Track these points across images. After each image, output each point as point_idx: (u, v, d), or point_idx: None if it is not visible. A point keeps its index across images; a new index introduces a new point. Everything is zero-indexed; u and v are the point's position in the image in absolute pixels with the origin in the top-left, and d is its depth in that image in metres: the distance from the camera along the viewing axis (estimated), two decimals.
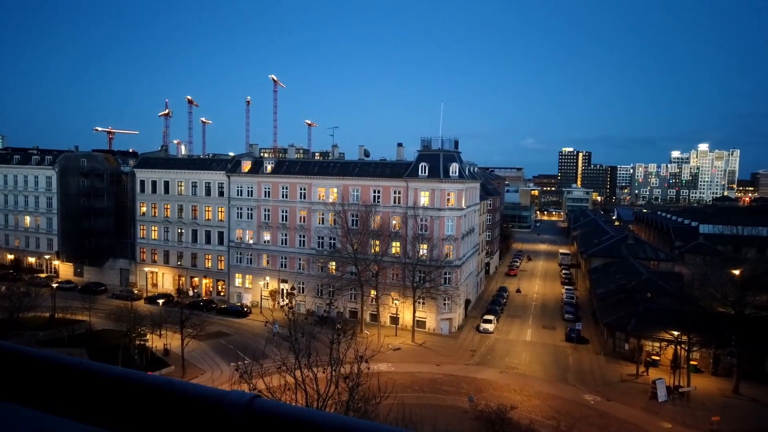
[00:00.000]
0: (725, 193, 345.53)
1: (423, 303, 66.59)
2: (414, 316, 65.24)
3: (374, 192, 70.88)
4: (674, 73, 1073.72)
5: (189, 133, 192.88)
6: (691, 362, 51.60)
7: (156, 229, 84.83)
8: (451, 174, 67.88)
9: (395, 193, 70.09)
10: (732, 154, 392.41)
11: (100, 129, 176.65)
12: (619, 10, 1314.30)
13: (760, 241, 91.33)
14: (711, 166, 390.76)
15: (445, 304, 67.43)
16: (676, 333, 51.79)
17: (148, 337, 55.81)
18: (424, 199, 68.47)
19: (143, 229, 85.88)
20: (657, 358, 55.64)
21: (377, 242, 67.72)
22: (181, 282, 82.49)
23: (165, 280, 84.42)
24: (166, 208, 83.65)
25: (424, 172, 68.26)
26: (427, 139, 71.17)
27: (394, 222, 69.59)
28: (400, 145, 77.27)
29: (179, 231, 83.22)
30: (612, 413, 44.71)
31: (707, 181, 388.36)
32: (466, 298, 74.97)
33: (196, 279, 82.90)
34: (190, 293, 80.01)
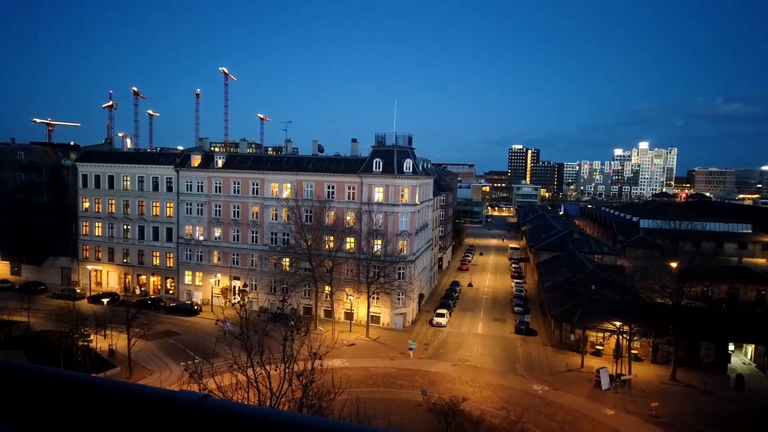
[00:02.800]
0: (664, 190, 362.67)
1: (377, 298, 66.91)
2: (368, 312, 65.48)
3: (328, 188, 70.53)
4: (621, 74, 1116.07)
5: (135, 126, 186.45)
6: (632, 351, 54.15)
7: (100, 225, 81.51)
8: (405, 170, 68.37)
9: (349, 188, 69.97)
10: (670, 153, 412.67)
11: (38, 120, 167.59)
12: (569, 14, 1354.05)
13: (695, 235, 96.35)
14: (651, 163, 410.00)
15: (399, 299, 67.98)
16: (618, 323, 54.15)
17: (91, 337, 53.74)
18: (378, 194, 68.68)
19: (86, 226, 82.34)
20: (601, 347, 58.04)
21: (331, 238, 67.48)
22: (127, 280, 79.69)
23: (110, 278, 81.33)
24: (111, 204, 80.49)
25: (379, 168, 68.46)
26: (382, 135, 71.48)
27: (348, 218, 69.52)
28: (354, 140, 77.14)
29: (125, 227, 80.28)
30: (558, 402, 46.36)
31: (647, 178, 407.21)
32: (419, 293, 75.84)
33: (144, 277, 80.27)
34: (137, 292, 77.45)
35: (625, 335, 53.54)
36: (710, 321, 56.13)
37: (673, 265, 59.65)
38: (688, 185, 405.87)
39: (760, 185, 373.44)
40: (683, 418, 43.47)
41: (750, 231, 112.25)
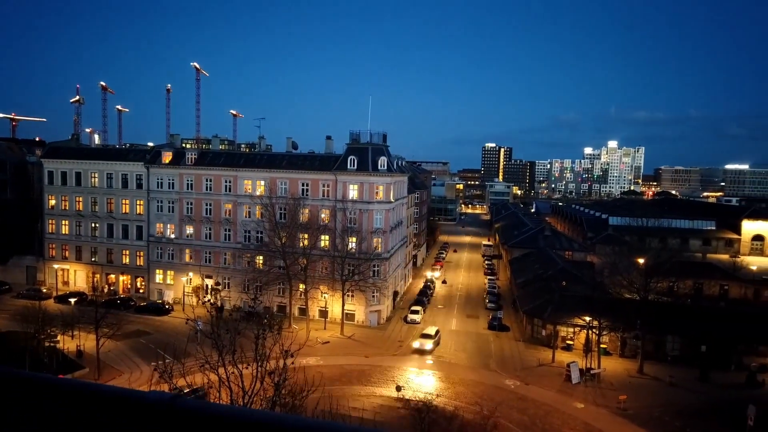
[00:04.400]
0: (632, 188, 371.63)
1: (352, 296, 66.87)
2: (343, 309, 65.40)
3: (303, 185, 70.12)
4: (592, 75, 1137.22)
5: (103, 122, 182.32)
6: (602, 345, 55.40)
7: (67, 223, 79.40)
8: (379, 167, 68.42)
9: (324, 186, 69.70)
10: (638, 151, 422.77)
11: (1, 115, 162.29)
12: (546, 16, 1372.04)
13: (662, 231, 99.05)
14: (619, 162, 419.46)
15: (373, 296, 68.07)
16: (588, 318, 55.30)
17: (58, 338, 52.35)
18: (353, 192, 68.58)
19: (52, 224, 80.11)
20: (571, 342, 59.19)
21: (306, 236, 67.13)
22: (95, 279, 77.86)
23: (77, 277, 79.36)
24: (78, 201, 78.48)
25: (353, 166, 68.35)
26: (356, 132, 71.33)
27: (323, 215, 69.25)
28: (328, 138, 76.85)
29: (93, 225, 78.39)
30: (530, 396, 47.13)
31: (616, 176, 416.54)
32: (394, 290, 76.07)
33: (113, 276, 78.57)
34: (106, 291, 75.76)
35: (594, 330, 54.72)
36: (676, 315, 57.72)
37: (641, 261, 61.18)
38: (654, 183, 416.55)
39: (723, 183, 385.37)
40: (650, 410, 44.67)
41: (714, 228, 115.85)
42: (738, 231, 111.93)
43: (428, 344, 57.19)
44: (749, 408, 38.37)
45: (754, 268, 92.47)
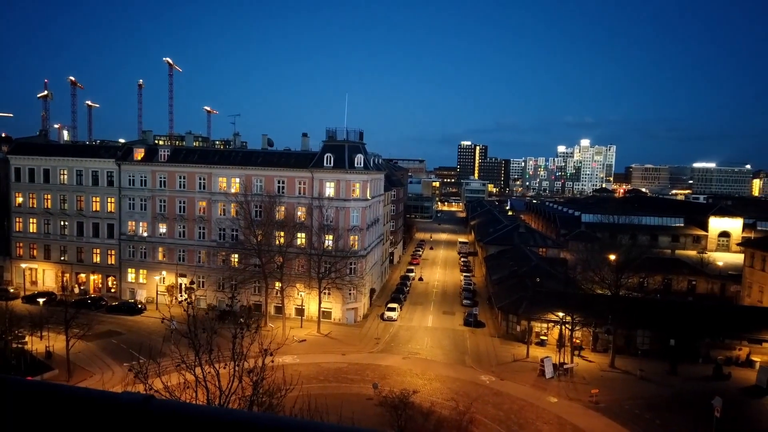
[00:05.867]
0: (604, 185, 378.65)
1: (329, 294, 66.73)
2: (320, 307, 65.21)
3: (279, 182, 69.61)
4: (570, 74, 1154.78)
5: (73, 118, 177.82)
6: (575, 341, 56.43)
7: (35, 221, 77.31)
8: (356, 165, 68.32)
9: (300, 183, 69.32)
10: (609, 150, 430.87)
11: None
12: (522, 13, 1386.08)
13: (632, 228, 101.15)
14: (591, 160, 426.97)
15: (350, 294, 68.03)
16: (561, 314, 56.25)
17: (27, 339, 51.10)
18: (329, 190, 68.37)
19: (19, 222, 77.89)
20: (545, 337, 60.15)
21: (282, 233, 66.69)
22: (65, 279, 76.03)
23: (46, 277, 77.42)
24: (47, 199, 76.48)
25: (330, 163, 68.12)
26: (333, 130, 71.05)
27: (299, 213, 68.88)
28: (305, 135, 76.41)
29: (62, 224, 76.50)
30: (505, 391, 47.78)
31: (588, 174, 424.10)
32: (371, 288, 76.14)
33: (83, 275, 76.84)
34: (76, 290, 74.09)
35: (567, 325, 55.70)
36: (646, 310, 59.10)
37: (612, 257, 62.47)
38: (625, 181, 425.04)
39: (691, 181, 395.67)
40: (621, 403, 45.73)
41: (682, 225, 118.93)
42: (705, 228, 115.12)
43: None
44: (715, 400, 39.55)
45: (720, 263, 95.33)
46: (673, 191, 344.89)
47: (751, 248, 75.08)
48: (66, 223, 76.42)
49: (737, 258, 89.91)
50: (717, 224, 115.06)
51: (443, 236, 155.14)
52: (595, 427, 41.29)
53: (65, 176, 75.82)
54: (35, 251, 77.75)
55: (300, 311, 67.23)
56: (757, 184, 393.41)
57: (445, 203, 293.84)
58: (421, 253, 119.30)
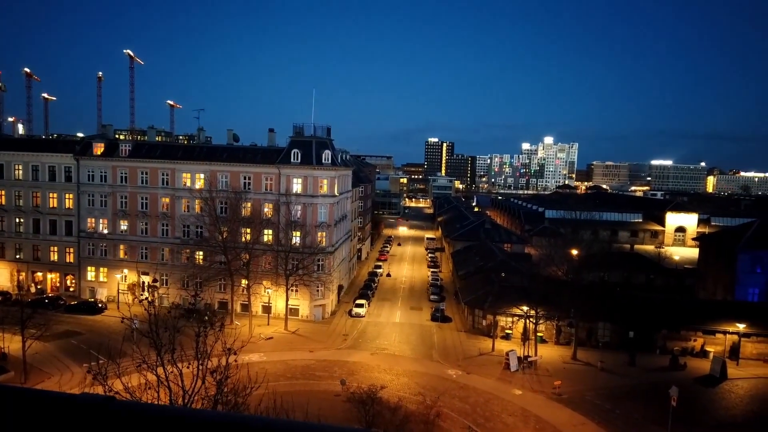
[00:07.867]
0: (566, 182, 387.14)
1: (296, 290, 66.27)
2: (287, 304, 64.72)
3: (245, 178, 68.68)
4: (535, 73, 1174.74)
5: (28, 111, 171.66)
6: (538, 334, 57.67)
7: None
8: (323, 161, 67.97)
9: (267, 179, 68.56)
10: (572, 147, 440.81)
11: None
12: (482, 16, 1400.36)
13: (594, 224, 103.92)
14: (555, 157, 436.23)
15: (318, 290, 67.76)
16: (525, 308, 57.38)
17: None
18: (296, 186, 67.85)
19: None
20: (510, 331, 61.26)
21: (248, 230, 65.86)
22: (21, 277, 73.26)
23: (0, 275, 74.42)
24: (1, 195, 73.48)
25: (297, 159, 67.58)
26: (300, 125, 70.49)
27: (266, 209, 68.13)
28: (271, 130, 75.51)
29: (17, 221, 73.67)
30: (471, 385, 48.50)
31: (552, 171, 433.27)
32: (339, 284, 76.00)
33: (40, 274, 74.22)
34: (33, 290, 71.50)
35: (531, 319, 56.86)
36: (606, 304, 60.76)
37: (574, 252, 63.97)
38: (587, 178, 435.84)
39: (649, 178, 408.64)
40: (582, 394, 47.01)
41: (641, 220, 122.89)
42: (662, 223, 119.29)
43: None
44: (672, 389, 41.04)
45: (677, 257, 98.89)
46: (633, 188, 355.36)
47: (705, 242, 78.12)
48: (21, 220, 73.64)
49: (693, 252, 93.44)
50: (673, 220, 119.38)
51: (411, 232, 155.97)
52: (558, 418, 42.34)
53: (20, 171, 73.01)
54: None
55: (267, 309, 66.60)
56: (711, 181, 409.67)
57: (413, 199, 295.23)
58: (389, 249, 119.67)
